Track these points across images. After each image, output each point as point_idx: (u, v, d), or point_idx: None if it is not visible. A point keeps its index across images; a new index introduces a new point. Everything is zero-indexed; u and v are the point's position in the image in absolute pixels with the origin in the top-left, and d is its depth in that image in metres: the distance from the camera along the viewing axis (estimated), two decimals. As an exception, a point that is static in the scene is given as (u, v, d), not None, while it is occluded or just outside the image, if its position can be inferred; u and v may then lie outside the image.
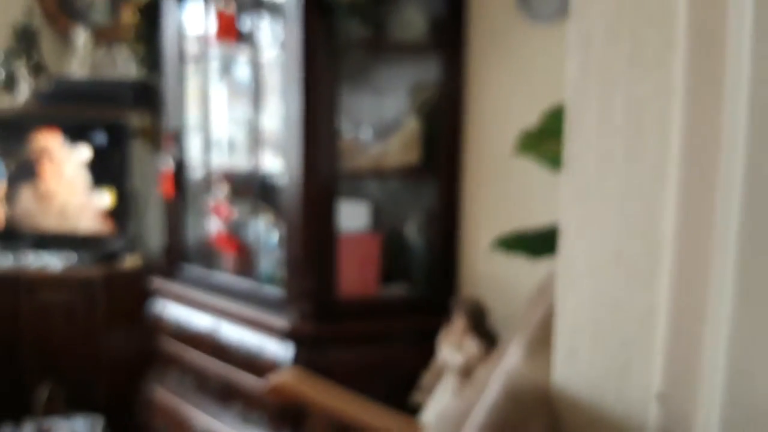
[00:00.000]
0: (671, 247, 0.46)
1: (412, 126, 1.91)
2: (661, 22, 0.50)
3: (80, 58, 2.60)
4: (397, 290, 1.92)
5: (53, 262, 2.49)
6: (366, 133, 1.95)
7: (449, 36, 1.83)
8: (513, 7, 1.73)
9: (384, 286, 1.93)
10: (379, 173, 1.91)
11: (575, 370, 0.51)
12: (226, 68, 2.21)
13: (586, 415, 0.50)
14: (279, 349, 1.79)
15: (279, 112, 1.90)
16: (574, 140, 0.55)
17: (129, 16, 2.42)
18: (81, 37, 2.60)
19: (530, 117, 1.20)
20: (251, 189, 2.12)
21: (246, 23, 2.00)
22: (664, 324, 0.47)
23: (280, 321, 1.81)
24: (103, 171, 2.55)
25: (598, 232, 0.50)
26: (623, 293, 0.49)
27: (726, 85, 0.44)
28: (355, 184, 1.97)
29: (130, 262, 2.57)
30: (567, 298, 0.51)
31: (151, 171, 2.62)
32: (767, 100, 0.44)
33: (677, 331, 0.46)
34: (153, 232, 2.67)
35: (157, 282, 2.25)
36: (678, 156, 0.47)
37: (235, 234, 2.10)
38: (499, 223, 1.65)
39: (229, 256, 2.13)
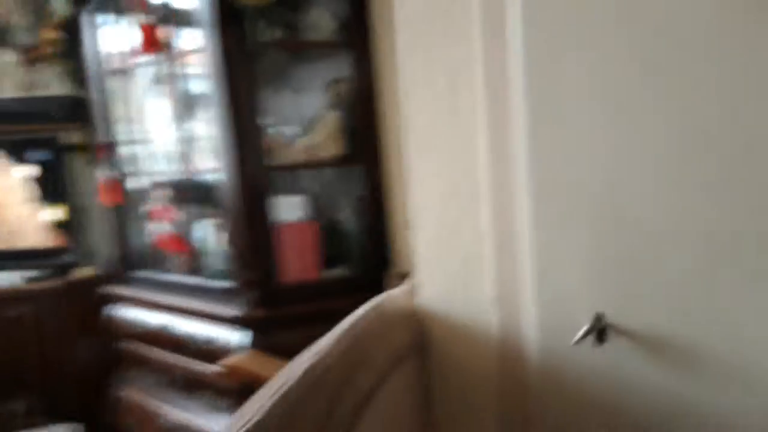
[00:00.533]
0: (487, 184, 0.61)
1: (332, 119, 2.04)
2: (464, 3, 0.63)
3: (10, 78, 2.62)
4: (337, 273, 2.05)
5: (8, 278, 2.53)
6: (291, 129, 2.07)
7: (356, 35, 1.97)
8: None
9: (325, 270, 2.06)
10: (308, 165, 2.04)
11: (430, 289, 0.65)
12: (156, 79, 2.29)
13: (442, 322, 0.65)
14: (232, 336, 1.91)
15: (208, 117, 2.00)
16: (410, 102, 0.69)
17: (51, 34, 2.46)
18: (7, 58, 2.63)
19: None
20: (190, 193, 2.21)
21: (167, 34, 2.08)
22: (490, 244, 0.62)
23: (231, 310, 1.92)
24: (50, 187, 2.60)
25: (436, 177, 0.65)
26: (459, 223, 0.64)
27: (509, 52, 0.58)
28: (289, 177, 2.10)
29: (84, 273, 2.63)
30: (419, 233, 0.66)
31: (95, 184, 2.68)
32: (538, 69, 0.58)
33: (500, 248, 0.61)
34: (103, 243, 2.73)
35: (111, 289, 2.33)
36: (484, 110, 0.61)
37: (180, 235, 2.19)
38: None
39: (176, 257, 2.22)
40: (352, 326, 0.60)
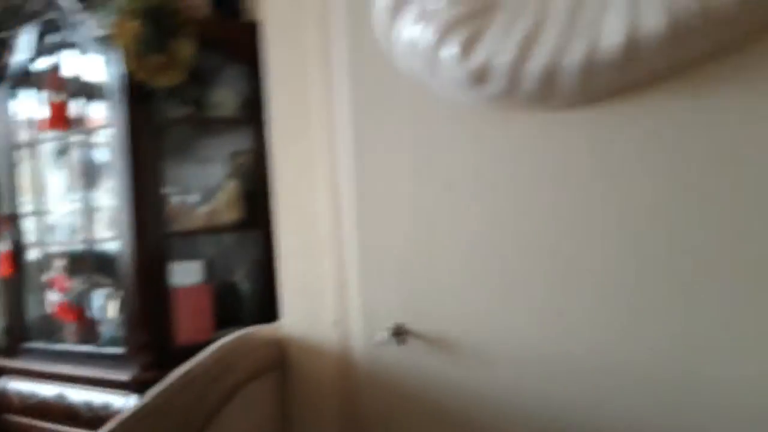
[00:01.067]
0: (328, 243, 0.79)
1: (233, 187, 2.19)
2: (306, 111, 0.83)
3: None
4: (230, 333, 2.14)
5: None
6: (193, 197, 2.21)
7: (257, 111, 2.15)
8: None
9: (219, 331, 2.15)
10: (208, 230, 2.16)
11: (289, 319, 0.82)
12: (60, 151, 2.37)
13: (297, 342, 0.81)
14: (126, 401, 1.94)
15: (111, 189, 2.10)
16: (277, 179, 0.86)
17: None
18: None
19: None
20: (87, 263, 2.27)
21: (75, 108, 2.20)
22: (330, 284, 0.80)
23: (123, 375, 1.96)
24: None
25: (293, 235, 0.83)
26: (308, 271, 0.82)
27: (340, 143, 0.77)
28: (187, 242, 2.21)
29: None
30: (283, 278, 0.83)
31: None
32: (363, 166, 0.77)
33: (337, 287, 0.79)
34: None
35: (1, 362, 2.30)
36: (324, 192, 0.80)
37: (74, 304, 2.23)
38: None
39: (70, 326, 2.26)
40: (221, 345, 0.75)
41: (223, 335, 2.15)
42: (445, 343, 0.69)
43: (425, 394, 0.70)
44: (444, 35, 0.63)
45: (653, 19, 0.52)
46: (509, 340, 0.69)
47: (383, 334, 0.71)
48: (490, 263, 0.69)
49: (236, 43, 2.16)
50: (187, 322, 2.09)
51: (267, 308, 2.21)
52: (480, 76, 0.62)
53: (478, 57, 0.61)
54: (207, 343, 2.15)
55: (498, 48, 0.60)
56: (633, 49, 0.53)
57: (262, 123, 2.21)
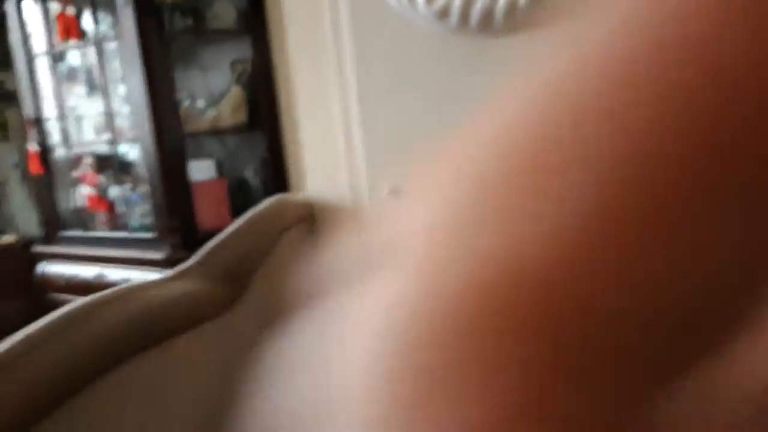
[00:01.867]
0: (342, 125, 1.12)
1: (236, 94, 2.48)
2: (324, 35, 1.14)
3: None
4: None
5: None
6: (200, 103, 2.49)
7: (254, 23, 2.41)
8: None
9: (234, 220, 2.51)
10: (217, 132, 2.47)
11: (313, 187, 1.16)
12: (75, 59, 2.62)
13: (321, 203, 1.15)
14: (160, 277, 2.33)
15: (124, 95, 2.38)
16: (300, 79, 1.18)
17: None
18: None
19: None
20: (112, 162, 2.59)
21: (86, 21, 2.43)
22: (344, 162, 1.13)
23: (157, 255, 2.33)
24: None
25: (313, 120, 1.15)
26: (328, 149, 1.15)
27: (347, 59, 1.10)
28: (199, 143, 2.52)
29: (5, 240, 2.90)
30: (307, 154, 1.16)
31: (5, 161, 2.95)
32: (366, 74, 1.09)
33: (349, 163, 1.13)
34: (22, 212, 3.01)
35: (39, 248, 2.65)
36: (336, 85, 1.13)
37: (103, 196, 2.56)
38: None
39: (101, 216, 2.59)
40: (267, 204, 1.09)
41: (238, 222, 2.56)
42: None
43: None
44: (418, -15, 0.94)
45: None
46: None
47: (386, 192, 1.07)
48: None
49: (234, -41, 2.38)
50: (207, 212, 2.45)
51: (273, 198, 2.57)
52: (442, 14, 0.93)
53: (439, 1, 0.92)
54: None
55: (454, -5, 0.91)
56: (536, -1, 0.85)
57: (259, 34, 2.47)
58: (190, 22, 2.37)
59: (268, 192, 2.57)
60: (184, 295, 0.72)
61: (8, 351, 0.48)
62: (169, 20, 2.27)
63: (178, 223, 2.36)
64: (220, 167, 2.58)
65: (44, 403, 0.47)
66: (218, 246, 0.88)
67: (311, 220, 1.16)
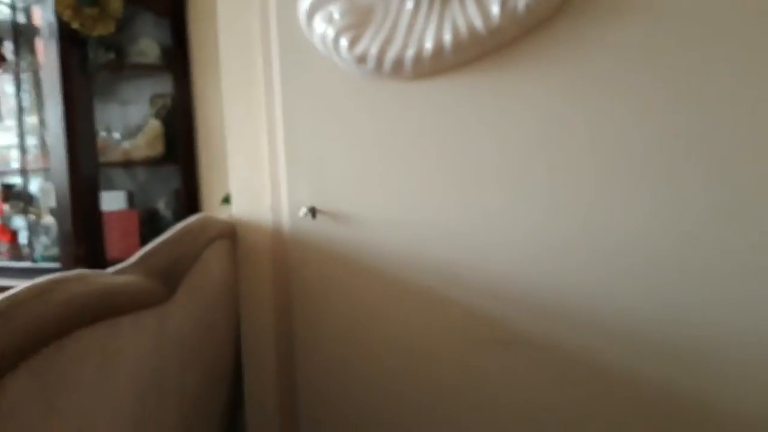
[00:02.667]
0: (266, 156, 1.25)
1: (153, 127, 2.55)
2: (253, 70, 1.28)
3: None
4: (156, 250, 2.54)
5: None
6: (116, 135, 2.54)
7: (177, 60, 2.51)
8: (221, 40, 2.48)
9: (145, 250, 2.54)
10: (131, 164, 2.52)
11: (238, 205, 1.27)
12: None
13: (244, 222, 1.27)
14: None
15: (35, 125, 2.39)
16: (229, 115, 1.31)
17: None
18: None
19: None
20: (19, 190, 2.56)
21: (7, 48, 2.44)
22: (267, 182, 1.26)
23: (62, 283, 2.31)
24: None
25: (241, 152, 1.28)
26: (252, 172, 1.27)
27: (276, 100, 1.24)
28: (114, 174, 2.55)
29: None
30: (233, 178, 1.28)
31: None
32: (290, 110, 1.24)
33: (272, 183, 1.25)
34: None
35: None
36: (263, 119, 1.26)
37: (8, 226, 2.52)
38: (225, 189, 2.38)
39: (4, 246, 2.54)
40: (195, 217, 1.20)
41: (149, 252, 2.58)
42: (340, 216, 1.18)
43: (329, 248, 1.20)
44: (339, 34, 1.10)
45: (448, 36, 1.02)
46: (380, 213, 1.19)
47: (303, 212, 1.20)
48: (368, 170, 1.19)
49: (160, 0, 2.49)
50: (116, 242, 2.47)
51: (186, 231, 2.62)
52: (361, 60, 1.10)
53: (359, 49, 1.09)
54: (135, 258, 2.58)
55: (370, 45, 1.08)
56: (438, 52, 1.03)
57: (181, 70, 2.57)
58: (112, 56, 2.44)
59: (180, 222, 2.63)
60: (128, 284, 0.81)
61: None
62: (93, 53, 2.33)
63: (84, 253, 2.36)
64: (134, 197, 2.61)
65: (24, 348, 0.57)
66: (153, 249, 0.97)
67: (233, 236, 1.27)
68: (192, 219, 1.17)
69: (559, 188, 1.06)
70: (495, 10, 1.00)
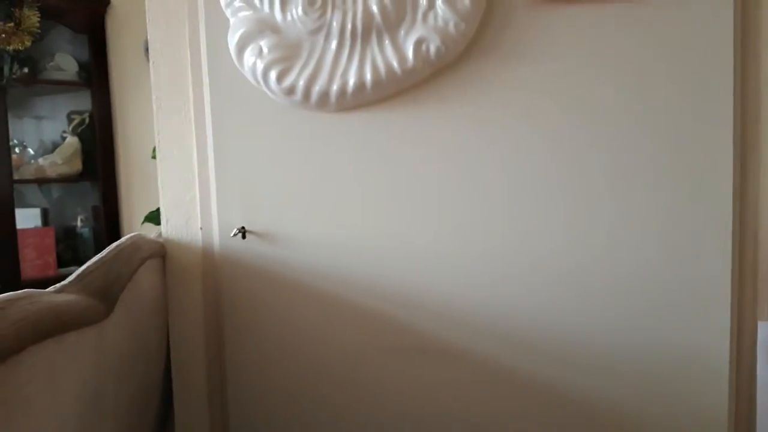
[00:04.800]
0: (196, 175, 1.32)
1: (71, 143, 2.53)
2: (184, 89, 1.35)
3: None
4: (72, 270, 2.52)
5: None
6: (31, 151, 2.51)
7: (95, 76, 2.51)
8: (143, 57, 2.50)
9: (61, 269, 2.52)
10: (46, 181, 2.49)
11: (168, 228, 1.34)
12: None
13: (175, 242, 1.33)
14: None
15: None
16: (160, 136, 1.37)
17: None
18: None
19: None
20: None
21: None
22: (197, 205, 1.33)
23: (-28, 303, 2.26)
24: None
25: (173, 172, 1.34)
26: (183, 193, 1.33)
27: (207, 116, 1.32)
28: (30, 191, 2.51)
29: None
30: (163, 199, 1.34)
31: None
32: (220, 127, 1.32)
33: (202, 206, 1.32)
34: None
35: None
36: (193, 137, 1.33)
37: None
38: (147, 207, 2.41)
39: None
40: (127, 237, 1.25)
41: (66, 273, 2.54)
42: (269, 236, 1.27)
43: (258, 267, 1.28)
44: (268, 68, 1.20)
45: (368, 75, 1.15)
46: (307, 233, 1.29)
47: (233, 232, 1.28)
48: (294, 192, 1.28)
49: (78, 15, 2.48)
50: (32, 260, 2.43)
51: (104, 246, 2.60)
52: (289, 92, 1.20)
53: (288, 81, 1.19)
54: (51, 279, 2.53)
55: (298, 78, 1.18)
56: (360, 88, 1.15)
57: (100, 87, 2.57)
58: (26, 71, 2.42)
59: (99, 240, 2.61)
60: (72, 302, 0.87)
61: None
62: (7, 67, 2.30)
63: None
64: (50, 214, 2.58)
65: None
66: (90, 269, 1.02)
67: (163, 256, 1.33)
68: (124, 239, 1.22)
69: (469, 208, 1.19)
70: (410, 53, 1.13)
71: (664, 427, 1.18)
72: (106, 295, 1.00)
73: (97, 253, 1.12)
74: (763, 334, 1.26)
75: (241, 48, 1.23)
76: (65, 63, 2.49)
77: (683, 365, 1.17)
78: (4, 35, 2.22)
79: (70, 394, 0.82)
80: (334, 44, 1.17)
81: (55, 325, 0.79)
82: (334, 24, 1.17)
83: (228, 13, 1.24)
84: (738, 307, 1.16)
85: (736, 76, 1.11)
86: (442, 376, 1.25)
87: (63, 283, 0.98)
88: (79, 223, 2.63)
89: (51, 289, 0.95)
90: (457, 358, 1.24)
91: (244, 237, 1.27)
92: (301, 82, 1.18)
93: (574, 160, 1.16)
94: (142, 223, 2.09)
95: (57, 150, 2.53)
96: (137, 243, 1.22)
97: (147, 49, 2.30)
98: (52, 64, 2.47)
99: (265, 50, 1.20)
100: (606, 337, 1.18)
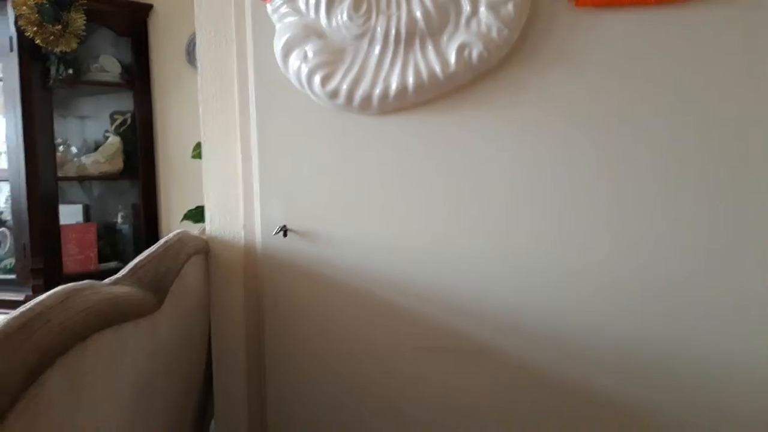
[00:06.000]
0: (240, 175, 1.36)
1: (113, 143, 2.61)
2: (228, 91, 1.40)
3: None
4: (113, 266, 2.60)
5: None
6: (75, 149, 2.59)
7: (137, 77, 2.58)
8: (183, 60, 2.57)
9: (102, 264, 2.59)
10: (89, 178, 2.56)
11: (211, 226, 1.38)
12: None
13: (218, 239, 1.37)
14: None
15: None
16: (206, 134, 1.42)
17: None
18: None
19: (197, 133, 2.04)
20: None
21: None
22: (241, 204, 1.37)
23: (17, 296, 2.34)
24: None
25: (216, 171, 1.38)
26: (227, 193, 1.38)
27: (251, 119, 1.36)
28: (74, 188, 2.59)
29: None
30: (208, 200, 1.38)
31: None
32: (263, 127, 1.36)
33: (246, 205, 1.37)
34: None
35: None
36: (238, 139, 1.37)
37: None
38: (185, 206, 2.47)
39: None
40: (173, 234, 1.30)
41: (106, 268, 2.62)
42: (309, 235, 1.31)
43: (298, 265, 1.32)
44: (312, 72, 1.23)
45: (411, 79, 1.18)
46: (346, 233, 1.32)
47: (275, 231, 1.32)
48: (335, 193, 1.32)
49: (122, 19, 2.56)
50: (74, 255, 2.50)
51: (143, 246, 2.67)
52: (333, 95, 1.23)
53: (331, 85, 1.22)
54: (92, 274, 2.61)
55: (341, 82, 1.22)
56: (402, 92, 1.18)
57: (142, 88, 2.64)
58: (71, 72, 2.50)
59: (138, 237, 2.69)
60: (129, 294, 0.91)
61: (23, 316, 0.67)
62: (55, 69, 2.38)
63: (41, 265, 2.39)
64: (92, 211, 2.66)
65: (49, 356, 0.67)
66: (141, 263, 1.07)
67: (207, 253, 1.38)
68: (171, 235, 1.27)
69: (510, 211, 1.22)
70: (452, 58, 1.16)
71: (691, 428, 1.19)
72: (157, 288, 1.05)
73: (136, 250, 1.16)
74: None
75: (286, 52, 1.27)
76: (109, 65, 2.57)
77: (725, 375, 1.17)
78: (52, 37, 2.30)
79: (127, 382, 0.86)
80: (377, 49, 1.20)
81: (116, 315, 0.83)
82: (378, 29, 1.20)
83: (274, 18, 1.28)
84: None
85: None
86: (477, 373, 1.27)
87: (117, 276, 1.02)
88: (119, 220, 2.70)
89: (107, 281, 0.99)
90: (492, 356, 1.26)
91: (285, 235, 1.31)
92: (345, 86, 1.22)
93: (618, 165, 1.17)
94: (181, 221, 2.15)
95: (99, 149, 2.61)
96: (183, 240, 1.27)
97: (188, 52, 2.36)
98: (96, 65, 2.55)
99: (310, 55, 1.24)
100: (643, 344, 1.19)
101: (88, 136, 2.67)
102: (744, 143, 1.13)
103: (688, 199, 1.15)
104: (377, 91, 1.20)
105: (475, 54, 1.16)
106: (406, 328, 1.29)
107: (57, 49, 2.32)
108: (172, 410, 1.14)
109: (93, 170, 2.58)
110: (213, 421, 1.44)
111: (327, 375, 1.35)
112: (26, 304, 0.71)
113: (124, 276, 1.02)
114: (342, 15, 1.21)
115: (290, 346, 1.36)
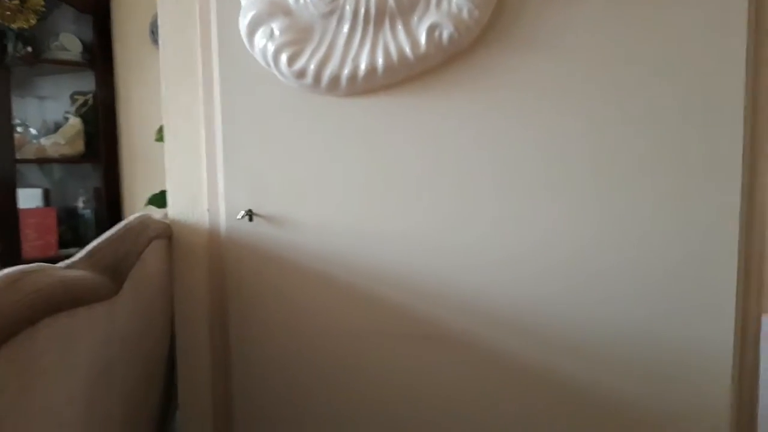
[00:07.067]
0: (203, 157, 1.33)
1: (74, 124, 2.53)
2: (193, 72, 1.36)
3: None
4: (73, 251, 2.53)
5: None
6: (33, 131, 2.51)
7: (99, 57, 2.51)
8: (148, 39, 2.50)
9: (63, 249, 2.52)
10: (48, 161, 2.49)
11: (174, 209, 1.34)
12: None
13: (181, 223, 1.34)
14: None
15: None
16: (168, 119, 1.38)
17: None
18: None
19: (161, 116, 1.99)
20: None
21: None
22: (204, 186, 1.34)
23: (-28, 282, 2.27)
24: None
25: (181, 153, 1.35)
26: (190, 175, 1.34)
27: (216, 99, 1.33)
28: (32, 171, 2.51)
29: None
30: (170, 181, 1.35)
31: None
32: (228, 110, 1.32)
33: (209, 188, 1.33)
34: None
35: None
36: (201, 121, 1.34)
37: None
38: (149, 190, 2.41)
39: None
40: (135, 216, 1.26)
41: (67, 254, 2.55)
42: (275, 219, 1.28)
43: (264, 250, 1.29)
44: (279, 50, 1.20)
45: (380, 59, 1.15)
46: (314, 217, 1.30)
47: (240, 215, 1.29)
48: (303, 176, 1.29)
49: (84, -4, 2.48)
50: (33, 241, 2.43)
51: (105, 228, 2.61)
52: (300, 75, 1.20)
53: (298, 65, 1.19)
54: (52, 259, 2.53)
55: (309, 61, 1.19)
56: (371, 73, 1.16)
57: (104, 68, 2.56)
58: (30, 50, 2.41)
59: (100, 222, 2.62)
60: (84, 277, 0.88)
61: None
62: (12, 46, 2.30)
63: (0, 250, 2.32)
64: (52, 195, 2.58)
65: (3, 332, 0.64)
66: (99, 246, 1.03)
67: (169, 237, 1.34)
68: (132, 218, 1.23)
69: (480, 195, 1.20)
70: (422, 39, 1.14)
71: (667, 418, 1.20)
72: (115, 272, 1.01)
73: (98, 235, 1.12)
74: (767, 328, 1.28)
75: (252, 30, 1.23)
76: (69, 43, 2.49)
77: (686, 358, 1.18)
78: (8, 13, 2.22)
79: (81, 368, 0.83)
80: (346, 28, 1.18)
81: (68, 299, 0.80)
82: (347, 7, 1.17)
83: (240, -6, 1.24)
84: (743, 301, 1.17)
85: (748, 73, 1.12)
86: (445, 360, 1.26)
87: (73, 259, 0.99)
88: (80, 205, 2.63)
89: (61, 264, 0.96)
90: (460, 343, 1.25)
91: (251, 219, 1.28)
92: (312, 66, 1.19)
93: (601, 147, 1.17)
94: (145, 205, 2.10)
95: (59, 130, 2.53)
96: (144, 222, 1.23)
97: (152, 32, 2.29)
98: (56, 43, 2.46)
99: (277, 32, 1.20)
100: (609, 328, 1.19)
101: (47, 117, 2.59)
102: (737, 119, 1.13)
103: (680, 184, 1.16)
104: (346, 71, 1.18)
105: (445, 35, 1.14)
106: (374, 314, 1.28)
107: (14, 26, 2.23)
108: (131, 395, 1.11)
109: (53, 152, 2.50)
110: (178, 412, 1.41)
111: (294, 362, 1.33)
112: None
113: (80, 259, 0.98)
114: (309, -8, 1.19)
115: (256, 333, 1.34)
